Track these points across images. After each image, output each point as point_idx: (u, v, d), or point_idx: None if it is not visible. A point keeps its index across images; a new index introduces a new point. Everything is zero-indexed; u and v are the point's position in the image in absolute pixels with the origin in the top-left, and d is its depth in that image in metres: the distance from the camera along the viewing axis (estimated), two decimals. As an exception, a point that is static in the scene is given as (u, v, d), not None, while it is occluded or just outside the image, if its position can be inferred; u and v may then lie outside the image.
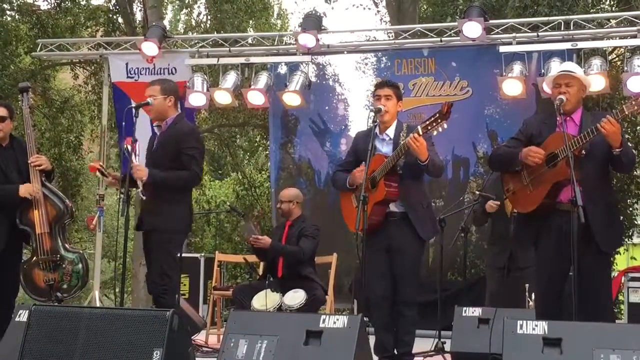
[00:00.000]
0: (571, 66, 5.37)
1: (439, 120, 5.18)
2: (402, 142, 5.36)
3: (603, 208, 4.92)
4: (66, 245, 6.38)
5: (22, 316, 4.85)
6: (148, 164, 5.87)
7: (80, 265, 6.31)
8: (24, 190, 6.16)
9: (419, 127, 5.25)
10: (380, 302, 5.51)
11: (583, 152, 4.84)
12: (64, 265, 6.26)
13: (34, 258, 6.25)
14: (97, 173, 6.03)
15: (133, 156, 5.69)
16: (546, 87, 8.34)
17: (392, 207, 5.52)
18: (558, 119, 4.88)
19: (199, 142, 6.03)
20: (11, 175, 6.25)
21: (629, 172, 8.20)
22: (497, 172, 6.90)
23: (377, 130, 5.56)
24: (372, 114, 5.53)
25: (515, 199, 5.26)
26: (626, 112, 4.70)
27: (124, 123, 5.74)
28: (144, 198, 5.72)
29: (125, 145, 5.72)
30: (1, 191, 6.18)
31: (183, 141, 5.78)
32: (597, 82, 8.17)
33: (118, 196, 5.70)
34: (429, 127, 5.22)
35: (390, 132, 5.61)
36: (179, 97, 6.23)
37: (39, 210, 6.19)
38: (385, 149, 5.57)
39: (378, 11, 18.76)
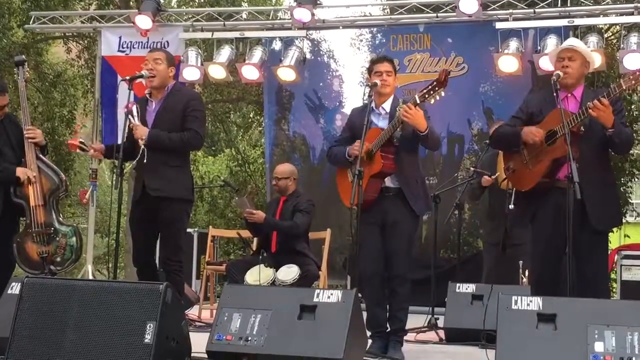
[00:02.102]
0: (575, 41, 5.36)
1: (437, 88, 5.12)
2: (397, 115, 5.31)
3: (599, 186, 4.88)
4: (60, 219, 6.35)
5: (15, 289, 4.85)
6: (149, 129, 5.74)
7: (74, 239, 6.29)
8: (21, 171, 6.14)
9: (416, 97, 5.19)
10: (373, 278, 5.48)
11: (582, 129, 4.81)
12: (57, 238, 6.24)
13: (28, 231, 6.22)
14: (78, 150, 5.94)
15: (133, 117, 5.61)
16: (542, 64, 8.33)
17: (387, 183, 5.46)
18: (556, 94, 4.84)
19: (203, 107, 6.06)
20: (4, 150, 6.23)
21: (625, 153, 8.20)
22: (493, 150, 6.92)
23: (372, 104, 5.52)
24: (367, 88, 5.48)
25: (515, 177, 5.21)
26: (624, 87, 4.67)
27: (117, 95, 5.65)
28: (144, 161, 5.60)
29: (130, 108, 5.60)
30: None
31: (189, 104, 5.74)
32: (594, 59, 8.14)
33: (111, 169, 5.63)
34: (427, 96, 5.15)
35: (387, 106, 5.55)
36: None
37: (33, 183, 6.16)
38: (381, 123, 5.51)
39: (374, -14, 18.64)
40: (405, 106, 5.15)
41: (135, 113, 5.62)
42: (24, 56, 7.04)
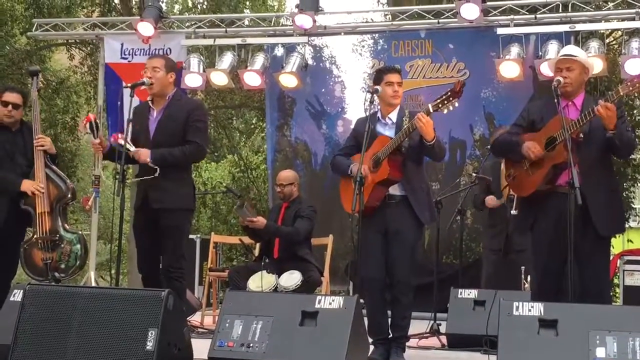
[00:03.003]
0: (572, 49, 5.32)
1: (451, 99, 5.11)
2: (405, 125, 5.31)
3: (602, 192, 4.89)
4: (66, 226, 6.37)
5: (17, 296, 4.86)
6: (153, 139, 5.73)
7: (78, 246, 6.30)
8: (26, 186, 6.17)
9: (429, 106, 5.19)
10: (375, 285, 5.47)
11: (581, 135, 4.82)
12: (62, 245, 6.24)
13: (34, 237, 6.24)
14: (87, 125, 5.73)
15: (128, 145, 5.57)
16: (544, 70, 8.33)
17: (392, 190, 5.44)
18: (557, 101, 4.85)
19: (206, 116, 6.01)
20: (18, 159, 6.30)
21: (627, 157, 8.22)
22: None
23: (379, 114, 5.54)
24: (369, 95, 5.47)
25: (516, 183, 5.24)
26: (621, 93, 4.68)
27: (119, 102, 5.64)
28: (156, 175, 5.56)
29: (116, 140, 5.57)
30: (3, 181, 6.19)
31: (192, 114, 5.71)
32: (594, 65, 8.11)
33: (113, 176, 5.63)
34: (440, 106, 5.15)
35: (393, 116, 5.55)
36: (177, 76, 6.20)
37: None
38: (387, 132, 5.50)
39: (376, -8, 18.65)
40: (420, 114, 5.16)
41: (124, 142, 5.55)
42: (38, 67, 7.12)
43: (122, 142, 5.49)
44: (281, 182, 7.42)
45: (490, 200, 7.29)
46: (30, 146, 6.33)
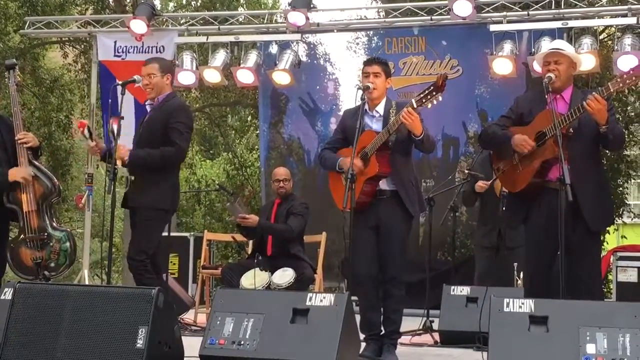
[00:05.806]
0: (561, 44, 5.34)
1: (434, 93, 5.10)
2: (392, 119, 5.31)
3: (592, 186, 4.90)
4: (54, 224, 6.31)
5: (7, 294, 4.83)
6: (138, 140, 5.82)
7: (67, 244, 6.27)
8: (14, 174, 6.10)
9: (413, 101, 5.17)
10: (367, 280, 5.47)
11: (571, 130, 4.83)
12: (51, 244, 6.21)
13: (21, 236, 6.19)
14: (85, 131, 5.84)
15: (116, 135, 5.59)
16: (536, 66, 8.33)
17: (382, 186, 5.45)
18: (547, 97, 4.86)
19: (188, 118, 5.95)
20: None
21: (618, 150, 8.24)
22: (487, 151, 6.92)
23: (366, 107, 5.52)
24: (360, 91, 5.47)
25: (505, 178, 5.25)
26: (611, 90, 4.68)
27: (110, 101, 5.64)
28: (132, 178, 5.68)
29: (110, 124, 5.62)
30: None
31: (173, 115, 5.73)
32: (587, 61, 8.14)
33: (105, 174, 5.63)
34: (424, 100, 5.13)
35: (380, 109, 5.55)
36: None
37: (26, 188, 6.15)
38: (375, 125, 5.51)
39: (369, -11, 18.63)
40: (407, 110, 5.15)
41: (116, 130, 5.60)
42: (14, 60, 7.02)
43: (114, 127, 5.54)
44: (284, 177, 7.43)
45: (482, 183, 7.26)
46: (8, 141, 6.20)
